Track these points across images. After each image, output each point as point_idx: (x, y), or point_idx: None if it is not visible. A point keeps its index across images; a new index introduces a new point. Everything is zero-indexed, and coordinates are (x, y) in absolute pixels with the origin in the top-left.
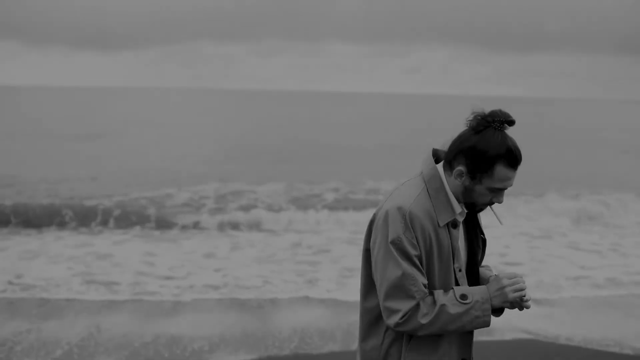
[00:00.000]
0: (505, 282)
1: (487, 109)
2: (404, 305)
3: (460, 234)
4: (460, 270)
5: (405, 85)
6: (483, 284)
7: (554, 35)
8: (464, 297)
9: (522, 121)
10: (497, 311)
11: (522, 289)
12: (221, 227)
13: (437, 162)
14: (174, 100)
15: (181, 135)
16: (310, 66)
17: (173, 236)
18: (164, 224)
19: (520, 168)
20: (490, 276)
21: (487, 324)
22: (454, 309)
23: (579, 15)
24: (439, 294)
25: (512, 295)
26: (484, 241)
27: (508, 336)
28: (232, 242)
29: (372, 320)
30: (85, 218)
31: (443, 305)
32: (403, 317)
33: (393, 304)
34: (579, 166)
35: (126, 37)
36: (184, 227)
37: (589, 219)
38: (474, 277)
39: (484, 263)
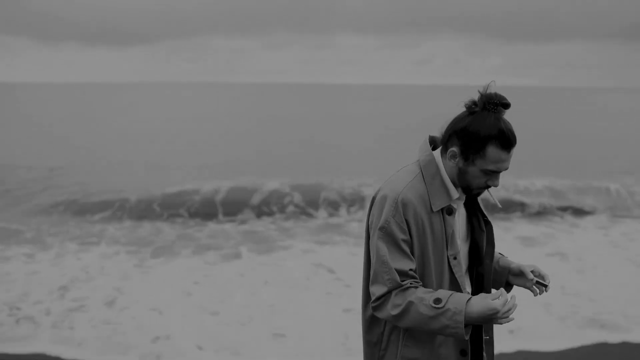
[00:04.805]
0: (493, 305)
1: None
2: (378, 291)
3: (459, 221)
4: (455, 258)
5: (416, 76)
6: (505, 273)
7: (565, 24)
8: (437, 301)
9: None
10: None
11: (509, 310)
12: None
13: (434, 149)
14: (185, 95)
15: (192, 131)
16: (320, 59)
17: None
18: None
19: None
20: (508, 268)
21: (459, 336)
22: (423, 309)
23: (590, 3)
24: (419, 290)
25: (501, 321)
26: (488, 223)
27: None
28: None
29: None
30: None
31: (411, 303)
32: (375, 301)
33: (372, 288)
34: None
35: (136, 32)
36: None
37: None
38: (476, 259)
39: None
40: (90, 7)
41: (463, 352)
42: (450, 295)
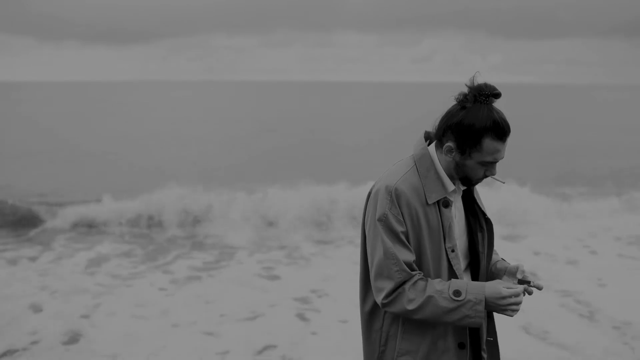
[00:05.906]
0: (505, 292)
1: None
2: (387, 285)
3: (455, 213)
4: (453, 251)
5: (416, 74)
6: (500, 275)
7: (566, 21)
8: (457, 293)
9: None
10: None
11: (519, 303)
12: None
13: (430, 144)
14: (186, 94)
15: (195, 131)
16: (321, 57)
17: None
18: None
19: None
20: (505, 268)
21: (477, 324)
22: (443, 302)
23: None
24: (432, 283)
25: (509, 311)
26: (489, 221)
27: None
28: None
29: (375, 302)
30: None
31: (431, 297)
32: (387, 296)
33: (379, 283)
34: None
35: (138, 31)
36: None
37: None
38: (475, 257)
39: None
40: (90, 7)
41: (461, 345)
42: (467, 285)
